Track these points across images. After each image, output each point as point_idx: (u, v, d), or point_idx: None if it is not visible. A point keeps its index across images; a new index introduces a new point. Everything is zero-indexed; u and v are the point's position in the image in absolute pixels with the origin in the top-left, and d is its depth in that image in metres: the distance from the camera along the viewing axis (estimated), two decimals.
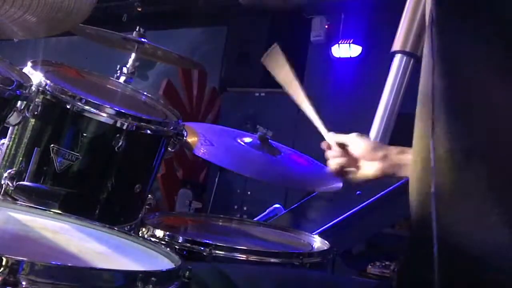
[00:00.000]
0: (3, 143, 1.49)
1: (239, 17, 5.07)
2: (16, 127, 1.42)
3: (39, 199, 1.39)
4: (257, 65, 5.12)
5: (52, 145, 1.45)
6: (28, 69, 1.48)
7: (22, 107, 1.37)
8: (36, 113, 1.41)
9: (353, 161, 1.28)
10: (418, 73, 0.96)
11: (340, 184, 1.77)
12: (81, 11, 1.41)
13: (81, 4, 1.40)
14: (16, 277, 0.74)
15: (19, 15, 1.36)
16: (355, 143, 1.27)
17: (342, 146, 1.31)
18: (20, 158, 1.46)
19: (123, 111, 1.49)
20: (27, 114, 1.39)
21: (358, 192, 2.70)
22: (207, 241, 1.44)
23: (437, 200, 0.75)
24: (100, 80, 1.80)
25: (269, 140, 1.93)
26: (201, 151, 1.80)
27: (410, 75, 0.93)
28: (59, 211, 1.17)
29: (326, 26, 4.87)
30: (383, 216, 2.90)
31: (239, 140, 1.93)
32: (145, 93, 1.79)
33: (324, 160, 1.67)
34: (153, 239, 1.31)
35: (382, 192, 2.64)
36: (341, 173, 1.33)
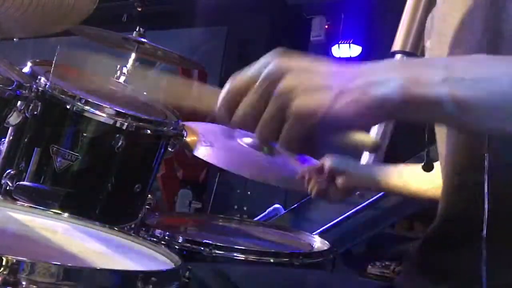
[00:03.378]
0: (3, 143, 1.49)
1: (239, 17, 5.07)
2: (16, 127, 1.42)
3: (39, 199, 1.39)
4: None
5: (52, 145, 1.45)
6: (28, 69, 1.48)
7: (22, 107, 1.37)
8: (36, 113, 1.41)
9: (331, 181, 1.53)
10: None
11: None
12: (81, 9, 1.42)
13: (82, 2, 1.40)
14: (16, 277, 0.74)
15: (19, 14, 1.36)
16: (328, 163, 1.53)
17: (319, 170, 1.55)
18: (20, 158, 1.46)
19: (123, 111, 1.49)
20: (27, 114, 1.39)
21: (358, 192, 2.70)
22: (207, 241, 1.44)
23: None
24: (100, 80, 1.80)
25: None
26: (202, 151, 1.80)
27: None
28: (59, 211, 1.17)
29: (326, 26, 4.87)
30: (383, 216, 2.90)
31: (239, 140, 1.93)
32: (145, 93, 1.79)
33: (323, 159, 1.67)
34: (153, 239, 1.31)
35: (382, 192, 2.64)
36: (321, 193, 1.56)
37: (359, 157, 1.02)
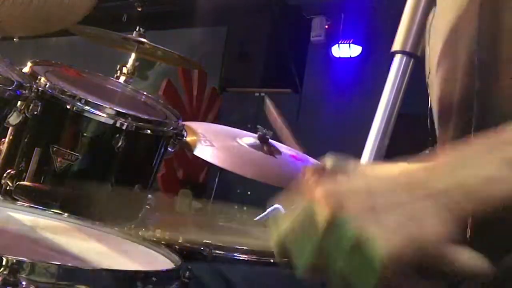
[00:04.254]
0: (3, 143, 1.49)
1: (239, 17, 5.07)
2: (16, 127, 1.42)
3: (39, 199, 1.39)
4: (257, 65, 5.13)
5: (52, 145, 1.45)
6: (28, 69, 1.48)
7: (22, 107, 1.37)
8: (36, 113, 1.41)
9: None
10: (418, 73, 0.96)
11: None
12: (81, 8, 1.42)
13: (81, 2, 1.40)
14: (16, 277, 0.74)
15: (19, 13, 1.36)
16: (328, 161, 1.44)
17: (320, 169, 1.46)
18: (20, 158, 1.46)
19: (123, 111, 1.49)
20: (27, 114, 1.39)
21: None
22: (207, 241, 1.44)
23: None
24: (100, 80, 1.80)
25: (269, 140, 1.93)
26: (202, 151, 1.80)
27: (410, 75, 0.93)
28: (59, 211, 1.17)
29: (326, 26, 4.87)
30: None
31: (238, 140, 1.93)
32: (145, 93, 1.79)
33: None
34: (153, 239, 1.31)
35: None
36: None
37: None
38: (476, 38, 0.85)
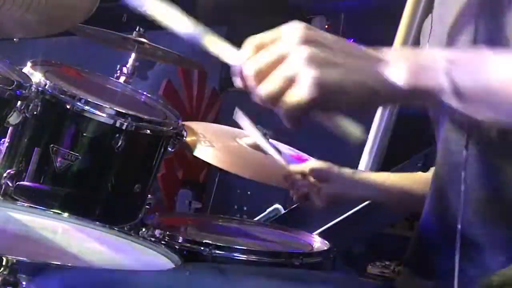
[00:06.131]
0: (3, 143, 1.49)
1: (239, 17, 5.07)
2: (16, 127, 1.42)
3: (39, 199, 1.39)
4: None
5: (52, 145, 1.45)
6: (28, 69, 1.48)
7: (22, 107, 1.37)
8: (36, 113, 1.41)
9: (314, 187, 1.42)
10: None
11: None
12: (82, 10, 1.42)
13: (82, 3, 1.40)
14: (16, 277, 0.74)
15: (19, 14, 1.36)
16: (310, 167, 1.45)
17: (302, 174, 1.46)
18: (20, 158, 1.46)
19: (123, 111, 1.49)
20: (27, 114, 1.39)
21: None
22: (207, 241, 1.44)
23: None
24: (100, 80, 1.80)
25: (269, 140, 1.93)
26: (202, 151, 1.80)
27: None
28: (59, 211, 1.17)
29: (326, 26, 4.87)
30: (383, 216, 2.90)
31: (239, 140, 1.93)
32: (145, 93, 1.79)
33: (324, 159, 1.68)
34: (153, 239, 1.31)
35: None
36: (304, 199, 1.45)
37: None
38: (474, 42, 0.86)
